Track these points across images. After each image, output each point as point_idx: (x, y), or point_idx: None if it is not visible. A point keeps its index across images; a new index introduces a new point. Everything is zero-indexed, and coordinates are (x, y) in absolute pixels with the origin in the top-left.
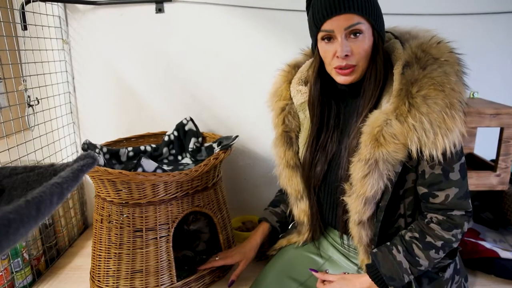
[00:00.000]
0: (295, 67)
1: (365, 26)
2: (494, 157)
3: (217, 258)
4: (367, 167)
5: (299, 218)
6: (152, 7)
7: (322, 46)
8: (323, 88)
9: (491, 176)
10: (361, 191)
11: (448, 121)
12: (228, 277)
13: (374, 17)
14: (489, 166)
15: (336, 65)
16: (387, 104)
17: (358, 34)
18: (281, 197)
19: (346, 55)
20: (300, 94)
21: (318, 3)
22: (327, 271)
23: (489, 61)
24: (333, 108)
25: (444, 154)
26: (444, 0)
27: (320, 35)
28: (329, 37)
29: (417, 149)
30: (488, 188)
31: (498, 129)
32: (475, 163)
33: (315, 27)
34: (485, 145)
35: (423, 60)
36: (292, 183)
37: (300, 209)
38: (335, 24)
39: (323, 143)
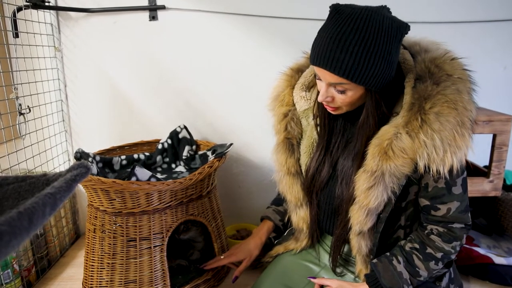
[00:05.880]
0: (298, 71)
1: (351, 86)
2: (487, 163)
3: (222, 257)
4: (373, 179)
5: (298, 225)
6: (145, 14)
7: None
8: None
9: (485, 182)
10: (365, 202)
11: (458, 139)
12: (223, 285)
13: (365, 80)
14: (482, 173)
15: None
16: (397, 116)
17: (343, 91)
18: None
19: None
20: (303, 101)
21: (315, 43)
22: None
23: (480, 68)
24: (339, 118)
25: (450, 170)
26: (435, 8)
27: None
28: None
29: (425, 164)
30: (482, 194)
31: (491, 135)
32: (469, 169)
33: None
34: (477, 151)
35: (436, 75)
36: (292, 191)
37: (300, 216)
38: (322, 73)
39: (330, 151)
